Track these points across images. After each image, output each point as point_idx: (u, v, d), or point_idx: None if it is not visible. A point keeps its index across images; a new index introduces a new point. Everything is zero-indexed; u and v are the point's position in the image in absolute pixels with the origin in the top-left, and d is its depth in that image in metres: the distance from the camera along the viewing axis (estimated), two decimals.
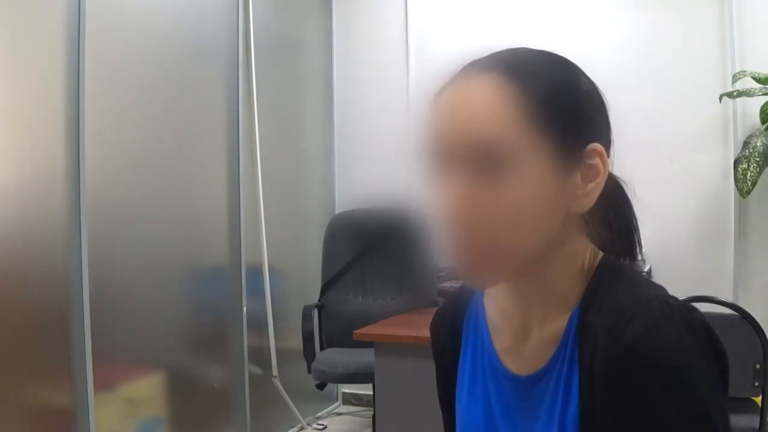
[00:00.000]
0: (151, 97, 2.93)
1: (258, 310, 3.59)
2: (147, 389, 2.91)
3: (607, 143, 0.81)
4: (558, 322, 0.81)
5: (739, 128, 3.49)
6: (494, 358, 0.88)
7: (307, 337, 3.39)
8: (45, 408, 2.46)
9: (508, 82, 0.75)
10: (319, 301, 3.60)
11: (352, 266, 3.61)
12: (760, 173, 3.12)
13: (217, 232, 3.39)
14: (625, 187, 0.88)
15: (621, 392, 0.73)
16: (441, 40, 4.05)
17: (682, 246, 3.58)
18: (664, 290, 0.79)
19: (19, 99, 2.36)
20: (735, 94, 3.25)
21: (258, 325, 3.60)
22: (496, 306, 0.90)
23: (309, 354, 3.36)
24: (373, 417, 2.98)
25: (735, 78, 3.37)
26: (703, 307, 2.11)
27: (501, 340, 0.88)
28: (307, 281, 3.80)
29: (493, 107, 0.74)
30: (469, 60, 0.81)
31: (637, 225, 0.89)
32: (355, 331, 2.69)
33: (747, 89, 3.22)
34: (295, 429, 3.83)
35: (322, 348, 3.53)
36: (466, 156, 0.74)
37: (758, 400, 2.15)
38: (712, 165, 3.55)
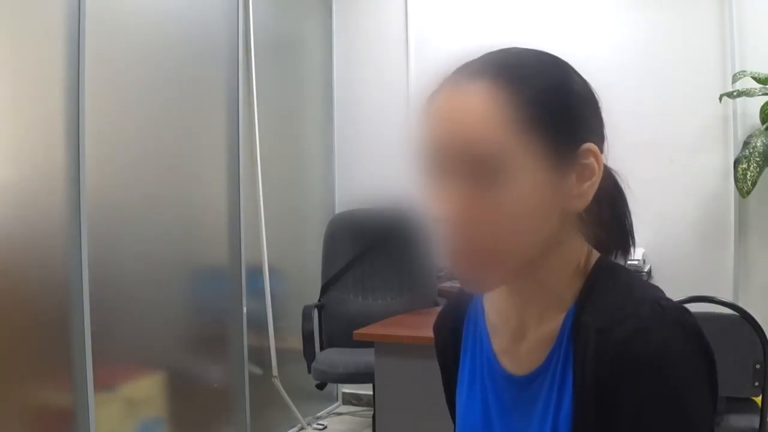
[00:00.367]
0: (151, 97, 2.93)
1: (258, 310, 3.59)
2: (147, 389, 2.91)
3: (600, 140, 0.81)
4: (554, 322, 0.81)
5: (739, 128, 3.49)
6: (492, 358, 0.88)
7: (307, 337, 3.39)
8: (45, 408, 2.46)
9: (499, 88, 0.74)
10: (319, 301, 3.60)
11: (352, 266, 3.61)
12: (760, 173, 3.12)
13: (217, 232, 3.39)
14: (618, 180, 0.88)
15: (609, 392, 0.73)
16: (441, 40, 4.04)
17: (682, 246, 3.58)
18: (661, 291, 0.79)
19: (19, 99, 2.36)
20: (735, 94, 3.25)
21: (258, 325, 3.60)
22: (495, 306, 0.90)
23: (309, 354, 3.36)
24: (373, 417, 2.98)
25: (735, 78, 3.37)
26: (703, 307, 2.12)
27: (499, 341, 0.88)
28: (307, 281, 3.80)
29: (485, 114, 0.74)
30: (463, 62, 0.80)
31: (630, 218, 0.88)
32: (355, 331, 2.69)
33: (747, 89, 3.22)
34: (295, 429, 3.83)
35: (322, 348, 3.53)
36: (461, 162, 0.74)
37: (758, 400, 2.15)
38: (712, 165, 3.55)
